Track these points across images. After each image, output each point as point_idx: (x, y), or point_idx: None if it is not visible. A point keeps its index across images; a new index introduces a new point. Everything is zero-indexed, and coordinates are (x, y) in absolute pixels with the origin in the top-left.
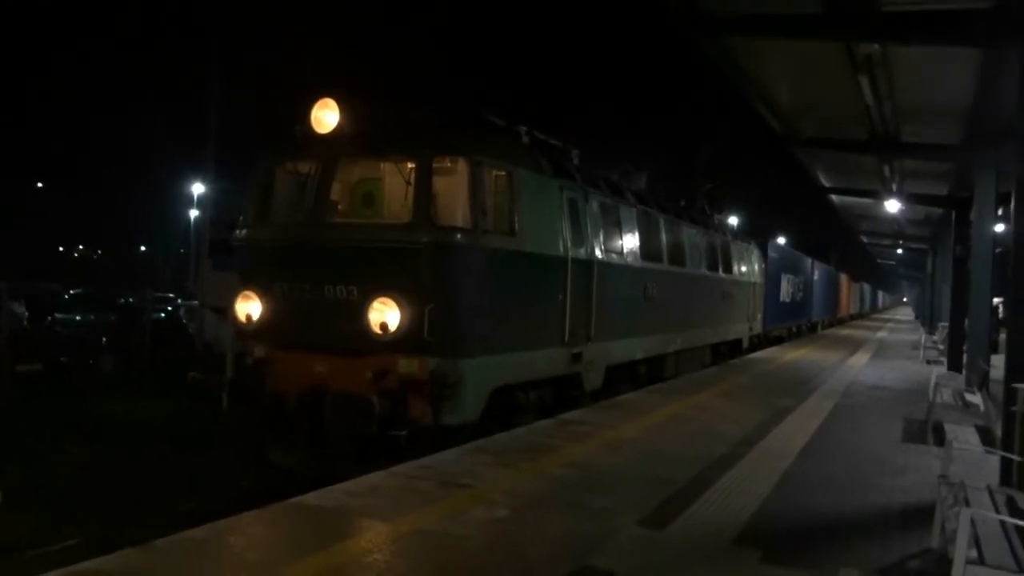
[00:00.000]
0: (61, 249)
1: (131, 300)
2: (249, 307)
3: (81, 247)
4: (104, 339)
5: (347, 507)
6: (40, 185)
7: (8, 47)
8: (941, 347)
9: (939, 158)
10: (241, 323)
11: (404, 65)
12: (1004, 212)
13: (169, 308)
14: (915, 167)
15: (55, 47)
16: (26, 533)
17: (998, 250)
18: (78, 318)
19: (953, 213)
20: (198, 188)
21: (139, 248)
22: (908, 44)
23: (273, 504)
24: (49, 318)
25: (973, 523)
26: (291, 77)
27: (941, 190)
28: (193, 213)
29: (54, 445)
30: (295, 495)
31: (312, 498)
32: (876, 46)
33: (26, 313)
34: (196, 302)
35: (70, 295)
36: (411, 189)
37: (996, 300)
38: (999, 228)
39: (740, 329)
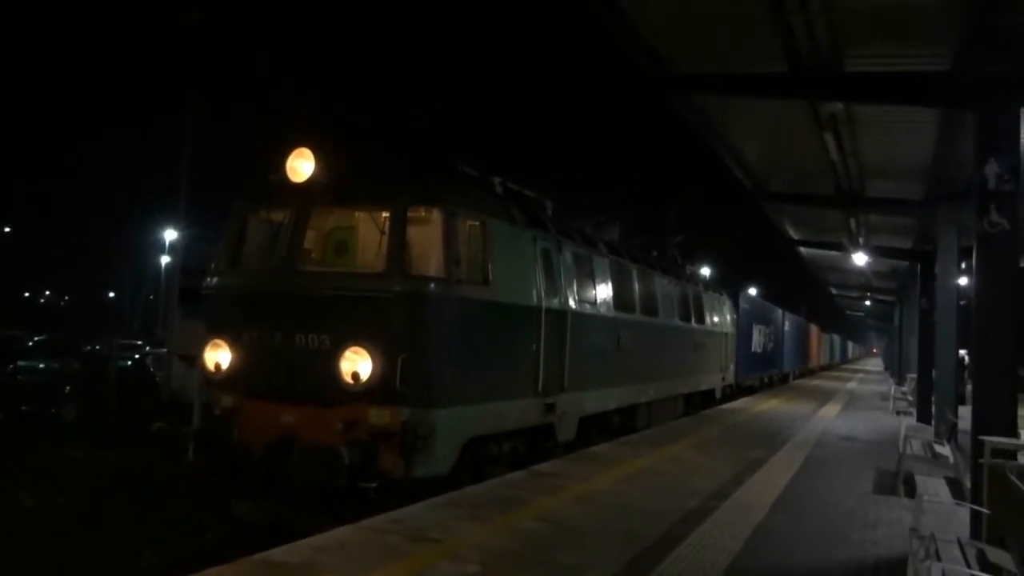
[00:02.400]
0: (27, 294)
1: (97, 347)
2: (218, 356)
3: (48, 292)
4: (68, 387)
5: (314, 563)
6: (7, 229)
7: None
8: (910, 398)
9: (903, 213)
10: (209, 372)
11: (381, 115)
12: (967, 265)
13: (136, 356)
14: (880, 221)
15: (25, 93)
16: None
17: (962, 302)
18: (41, 366)
19: (918, 266)
20: (170, 234)
21: (108, 294)
22: (869, 103)
23: (237, 560)
24: (11, 365)
25: None
26: (266, 123)
27: (906, 244)
28: (164, 259)
29: (11, 497)
30: (260, 549)
31: (278, 553)
32: (840, 105)
33: None
34: (164, 350)
35: (34, 342)
36: (385, 238)
37: (962, 352)
38: (963, 281)
39: (712, 379)
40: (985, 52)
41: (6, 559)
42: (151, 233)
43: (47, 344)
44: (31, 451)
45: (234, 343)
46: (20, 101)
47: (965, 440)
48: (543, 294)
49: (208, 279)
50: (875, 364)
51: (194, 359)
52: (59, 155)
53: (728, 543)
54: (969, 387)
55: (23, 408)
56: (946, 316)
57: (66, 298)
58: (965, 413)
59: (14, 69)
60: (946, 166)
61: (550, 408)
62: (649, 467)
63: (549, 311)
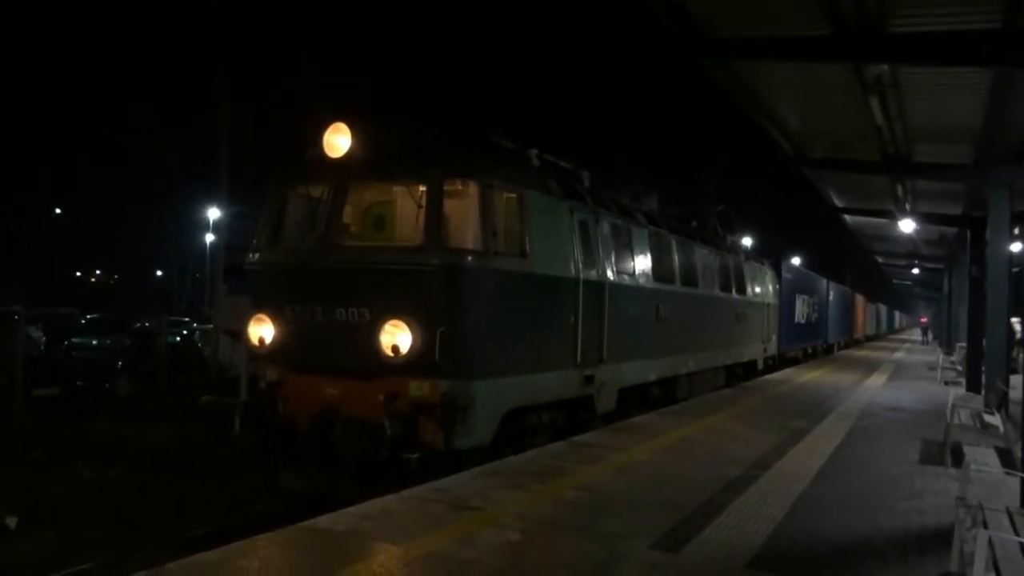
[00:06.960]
0: (79, 274)
1: (147, 324)
2: (262, 330)
3: (98, 272)
4: (120, 363)
5: (359, 530)
6: (58, 211)
7: (26, 77)
8: (959, 368)
9: (952, 178)
10: (254, 346)
11: (414, 92)
12: (1019, 231)
13: (184, 332)
14: (928, 187)
15: (72, 76)
16: (38, 557)
17: (1015, 269)
18: (94, 342)
19: (968, 232)
20: (213, 213)
21: (155, 273)
22: (916, 65)
23: (285, 527)
24: (66, 342)
25: (991, 545)
26: (302, 101)
27: (955, 209)
28: (209, 237)
29: (67, 469)
30: (307, 518)
31: (324, 521)
32: (885, 67)
33: (43, 337)
34: (211, 326)
35: (87, 320)
36: (422, 212)
37: (1014, 320)
38: (1015, 247)
39: (754, 350)
40: None
41: (65, 529)
42: (195, 212)
43: (99, 322)
44: (87, 424)
45: (277, 317)
46: (65, 84)
47: (1016, 410)
48: (581, 265)
49: (250, 255)
50: None
51: (239, 334)
52: (104, 137)
53: (771, 512)
54: (1021, 356)
55: (78, 383)
56: (997, 283)
57: (116, 277)
58: (1016, 383)
59: (58, 53)
60: (998, 128)
61: (589, 379)
62: (690, 437)
63: (587, 282)
